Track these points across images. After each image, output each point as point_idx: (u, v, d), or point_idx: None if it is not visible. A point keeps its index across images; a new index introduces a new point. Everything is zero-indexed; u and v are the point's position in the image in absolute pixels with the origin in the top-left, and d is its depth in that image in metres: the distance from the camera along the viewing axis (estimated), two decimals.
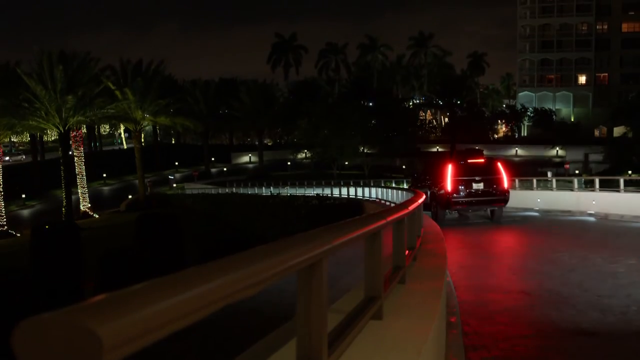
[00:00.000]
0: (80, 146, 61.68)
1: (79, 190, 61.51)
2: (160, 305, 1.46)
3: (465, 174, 26.61)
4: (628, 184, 31.94)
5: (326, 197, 49.75)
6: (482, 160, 27.95)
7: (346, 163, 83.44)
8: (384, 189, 37.97)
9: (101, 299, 1.35)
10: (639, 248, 17.22)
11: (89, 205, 62.19)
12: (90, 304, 1.30)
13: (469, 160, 27.62)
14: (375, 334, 4.28)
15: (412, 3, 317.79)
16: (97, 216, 61.18)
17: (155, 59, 73.70)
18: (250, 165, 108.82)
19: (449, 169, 26.79)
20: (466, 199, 26.08)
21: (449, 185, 26.24)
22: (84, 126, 78.75)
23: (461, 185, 26.19)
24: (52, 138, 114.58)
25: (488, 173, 26.90)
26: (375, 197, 39.97)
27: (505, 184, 26.87)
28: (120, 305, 1.35)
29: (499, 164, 27.49)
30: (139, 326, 1.36)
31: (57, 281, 24.11)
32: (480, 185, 26.38)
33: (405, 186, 43.08)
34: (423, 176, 32.04)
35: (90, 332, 1.20)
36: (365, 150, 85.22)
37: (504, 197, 26.60)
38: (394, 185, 50.83)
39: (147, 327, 1.39)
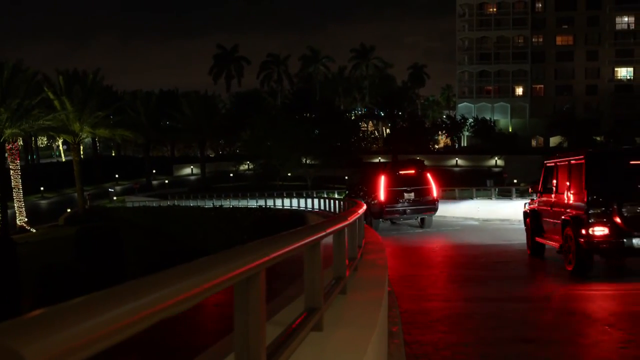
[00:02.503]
0: (16, 159, 60.22)
1: (15, 204, 60.01)
2: (90, 322, 1.43)
3: (398, 184, 28.01)
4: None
5: (269, 209, 49.65)
6: (412, 171, 29.07)
7: (289, 174, 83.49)
8: (327, 200, 38.07)
9: (27, 317, 1.32)
10: None
11: (26, 219, 60.73)
12: (15, 323, 1.27)
13: (400, 172, 29.02)
14: (316, 346, 4.28)
15: (354, 16, 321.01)
16: (34, 231, 59.74)
17: (93, 68, 72.55)
18: (193, 177, 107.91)
19: (382, 180, 28.15)
20: (399, 208, 27.47)
21: (382, 195, 27.50)
22: (20, 138, 76.86)
23: (394, 195, 27.51)
24: None
25: (419, 183, 28.35)
26: (318, 208, 40.09)
27: (435, 194, 28.46)
28: (47, 323, 1.32)
29: (429, 175, 28.87)
30: (67, 345, 1.33)
31: None
32: (412, 195, 27.90)
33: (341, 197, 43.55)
34: (358, 187, 33.26)
35: (13, 352, 1.17)
36: (307, 162, 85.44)
37: (433, 205, 28.26)
38: (336, 196, 51.09)
39: (76, 346, 1.36)
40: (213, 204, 61.49)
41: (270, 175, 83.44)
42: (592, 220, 13.58)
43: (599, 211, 13.60)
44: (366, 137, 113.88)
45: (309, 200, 43.47)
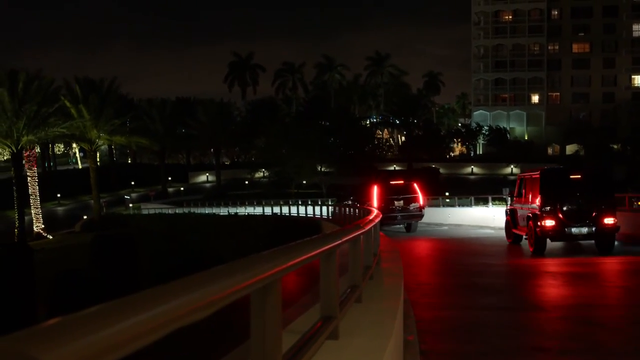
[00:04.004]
0: (33, 166, 60.58)
1: (32, 211, 60.33)
2: (109, 330, 1.43)
3: (389, 193, 31.61)
4: None
5: (284, 217, 49.64)
6: (401, 181, 33.70)
7: (304, 182, 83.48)
8: (342, 208, 37.99)
9: (46, 325, 1.32)
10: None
11: (43, 226, 61.02)
12: (34, 331, 1.28)
13: (390, 182, 33.36)
14: (332, 354, 4.27)
15: (368, 23, 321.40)
16: (51, 237, 60.02)
17: (110, 76, 73.04)
18: (208, 185, 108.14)
19: (375, 190, 31.75)
20: (389, 215, 29.80)
21: (375, 203, 29.94)
22: (38, 145, 77.42)
23: (385, 203, 30.32)
24: (5, 158, 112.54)
25: (407, 192, 32.06)
26: (332, 215, 40.00)
27: (422, 202, 32.43)
28: (67, 331, 1.32)
29: (416, 185, 32.76)
30: (86, 352, 1.33)
31: (10, 304, 23.57)
32: (401, 203, 31.43)
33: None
34: (349, 196, 36.93)
35: None
36: (323, 169, 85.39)
37: (420, 212, 32.11)
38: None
39: (95, 353, 1.37)
40: (228, 211, 61.56)
41: (285, 182, 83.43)
42: (544, 215, 20.04)
43: (548, 209, 20.10)
44: (381, 145, 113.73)
45: (324, 208, 43.43)
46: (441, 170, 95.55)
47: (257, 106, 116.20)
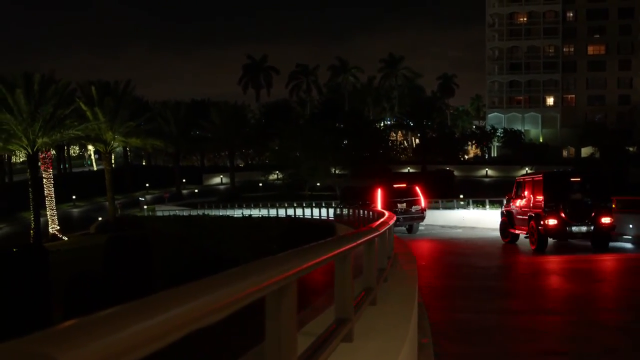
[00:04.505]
0: (49, 168, 60.97)
1: (47, 213, 60.72)
2: (126, 331, 1.44)
3: (392, 196, 33.21)
4: None
5: (298, 219, 49.65)
6: (404, 185, 35.40)
7: (318, 184, 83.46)
8: (356, 210, 38.02)
9: (65, 326, 1.33)
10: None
11: (58, 227, 61.39)
12: (53, 332, 1.29)
13: (393, 185, 35.03)
14: (346, 357, 4.26)
15: (382, 26, 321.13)
16: (66, 239, 60.38)
17: (124, 79, 73.44)
18: (222, 187, 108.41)
19: (379, 192, 33.43)
20: None
21: (379, 205, 31.61)
22: (53, 147, 77.92)
23: (389, 206, 31.13)
24: (21, 159, 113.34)
25: (409, 195, 33.75)
26: (347, 218, 39.98)
27: (423, 204, 33.92)
28: (85, 332, 1.33)
29: (418, 188, 34.36)
30: (103, 354, 1.34)
31: (25, 306, 23.71)
32: (404, 205, 32.91)
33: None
34: (355, 198, 37.81)
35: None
36: (336, 172, 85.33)
37: (422, 214, 33.58)
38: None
39: (113, 354, 1.38)
40: (242, 213, 61.68)
41: (299, 185, 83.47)
42: (547, 215, 21.51)
43: (551, 209, 21.60)
44: (395, 147, 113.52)
45: (338, 210, 43.40)
46: (455, 173, 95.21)
47: (271, 108, 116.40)
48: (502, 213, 26.59)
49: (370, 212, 30.50)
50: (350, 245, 4.61)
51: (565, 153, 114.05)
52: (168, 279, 29.46)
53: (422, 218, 33.65)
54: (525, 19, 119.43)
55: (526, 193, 23.76)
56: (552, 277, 17.08)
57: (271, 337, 2.81)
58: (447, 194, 57.83)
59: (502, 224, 26.09)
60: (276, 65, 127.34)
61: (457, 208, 42.63)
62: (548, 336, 9.68)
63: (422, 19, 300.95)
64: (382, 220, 8.50)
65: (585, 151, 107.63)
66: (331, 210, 45.24)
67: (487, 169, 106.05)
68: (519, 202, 24.11)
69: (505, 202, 27.25)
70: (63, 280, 24.02)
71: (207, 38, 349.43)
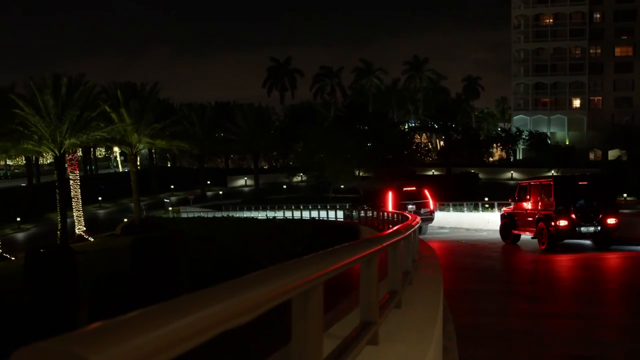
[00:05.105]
0: (75, 169, 61.56)
1: (74, 214, 61.30)
2: (156, 332, 1.45)
3: (402, 198, 34.89)
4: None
5: (322, 221, 49.64)
6: (414, 188, 36.92)
7: (342, 186, 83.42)
8: (380, 213, 38.02)
9: (97, 326, 1.34)
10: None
11: (84, 228, 61.95)
12: (85, 332, 1.30)
13: (404, 188, 36.44)
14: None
15: (406, 28, 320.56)
16: (92, 240, 60.92)
17: (150, 82, 74.08)
18: (246, 189, 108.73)
19: (390, 195, 35.23)
20: None
21: (390, 207, 33.10)
22: (80, 149, 78.69)
23: (399, 207, 32.63)
24: (48, 161, 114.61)
25: (419, 198, 35.60)
26: (371, 220, 39.95)
27: (432, 206, 36.03)
28: (116, 333, 1.35)
29: (427, 191, 36.22)
30: (133, 355, 1.35)
31: (52, 305, 23.96)
32: (414, 207, 33.89)
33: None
34: (368, 201, 39.68)
35: None
36: (360, 174, 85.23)
37: (431, 215, 35.23)
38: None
39: (141, 355, 1.39)
40: (266, 215, 61.81)
41: (323, 187, 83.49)
42: (558, 216, 22.72)
43: (562, 211, 22.80)
44: (420, 150, 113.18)
45: (362, 213, 43.34)
46: (480, 176, 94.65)
47: (296, 111, 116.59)
48: (502, 216, 27.94)
49: (387, 214, 30.85)
50: (376, 248, 4.60)
51: (592, 156, 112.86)
52: (193, 280, 29.62)
53: (431, 219, 35.07)
54: (551, 20, 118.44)
55: (532, 196, 24.97)
56: (573, 278, 16.93)
57: (297, 339, 2.81)
58: (472, 196, 57.50)
59: (503, 226, 27.44)
60: (300, 68, 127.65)
61: (482, 211, 42.39)
62: (573, 340, 9.58)
63: (446, 21, 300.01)
64: (406, 222, 8.48)
65: (613, 154, 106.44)
66: (354, 213, 45.18)
67: (512, 172, 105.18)
68: (525, 205, 25.33)
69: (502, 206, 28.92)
70: (89, 280, 24.23)
71: (231, 41, 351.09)
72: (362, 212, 36.88)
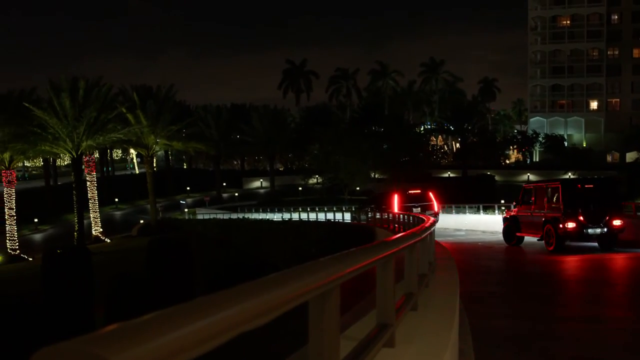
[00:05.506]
0: (92, 171, 61.88)
1: (91, 215, 61.63)
2: (175, 333, 1.46)
3: (407, 201, 36.20)
4: None
5: (338, 223, 49.63)
6: (419, 191, 38.35)
7: (357, 188, 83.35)
8: (397, 215, 38.10)
9: (116, 327, 1.36)
10: None
11: (101, 229, 62.27)
12: (105, 333, 1.32)
13: (409, 191, 37.91)
14: None
15: (421, 29, 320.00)
16: (108, 241, 61.24)
17: (167, 84, 74.32)
18: (262, 191, 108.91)
19: (395, 198, 36.56)
20: None
21: (395, 209, 34.13)
22: (96, 151, 79.10)
23: (404, 210, 33.47)
24: (65, 162, 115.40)
25: (423, 200, 36.87)
26: (386, 222, 39.99)
27: (436, 208, 37.05)
28: (136, 334, 1.36)
29: (431, 194, 37.57)
30: (153, 355, 1.37)
31: (69, 306, 24.11)
32: (418, 209, 34.66)
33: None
34: (374, 202, 40.87)
35: None
36: (376, 176, 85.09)
37: (435, 218, 34.64)
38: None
39: (161, 356, 1.40)
40: (282, 217, 61.88)
41: (338, 189, 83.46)
42: (566, 219, 23.20)
43: (570, 213, 23.27)
44: (435, 152, 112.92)
45: (377, 215, 43.31)
46: (496, 178, 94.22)
47: (311, 112, 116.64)
48: (504, 219, 28.69)
49: (399, 215, 31.02)
50: (392, 251, 4.60)
51: (609, 158, 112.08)
52: (209, 282, 29.70)
53: (436, 221, 36.32)
54: (568, 21, 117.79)
55: (538, 199, 25.48)
56: (585, 279, 16.82)
57: (314, 341, 2.82)
58: (488, 199, 57.30)
59: (506, 228, 27.98)
60: (316, 70, 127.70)
61: (498, 213, 42.24)
62: (586, 343, 9.52)
63: (462, 23, 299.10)
64: (423, 225, 8.47)
65: (630, 156, 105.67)
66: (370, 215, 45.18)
67: (528, 174, 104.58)
68: (530, 208, 25.88)
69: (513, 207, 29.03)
70: (105, 281, 24.37)
71: (247, 43, 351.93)
72: (370, 213, 38.14)
